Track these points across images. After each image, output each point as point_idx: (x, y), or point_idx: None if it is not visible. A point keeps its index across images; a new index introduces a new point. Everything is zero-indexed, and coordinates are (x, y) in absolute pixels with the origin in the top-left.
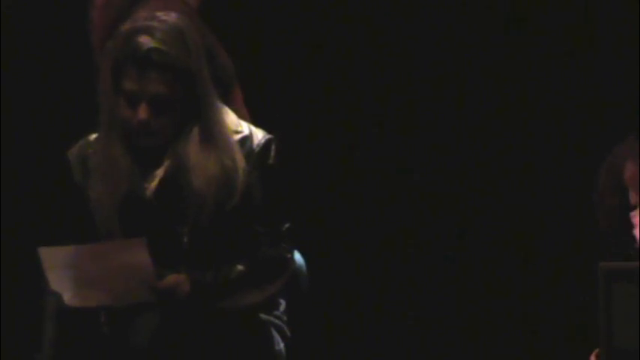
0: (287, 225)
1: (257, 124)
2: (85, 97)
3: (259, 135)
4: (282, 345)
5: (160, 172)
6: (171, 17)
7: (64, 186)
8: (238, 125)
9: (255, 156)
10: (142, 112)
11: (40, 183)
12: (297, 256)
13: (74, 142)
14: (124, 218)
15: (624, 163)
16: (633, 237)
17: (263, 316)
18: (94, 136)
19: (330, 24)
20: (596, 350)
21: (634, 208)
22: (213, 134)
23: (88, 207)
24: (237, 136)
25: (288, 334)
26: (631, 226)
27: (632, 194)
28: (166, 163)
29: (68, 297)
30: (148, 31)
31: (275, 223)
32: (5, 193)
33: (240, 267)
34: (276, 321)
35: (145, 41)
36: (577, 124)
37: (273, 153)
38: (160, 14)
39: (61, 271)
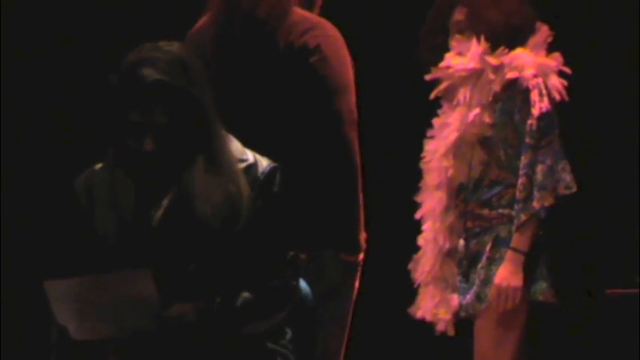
0: (292, 253)
1: None
2: (92, 126)
3: (264, 163)
4: None
5: (165, 201)
6: (174, 47)
7: (70, 216)
8: (243, 153)
9: (260, 184)
10: (148, 144)
11: (45, 213)
12: (303, 284)
13: (80, 172)
14: (130, 247)
15: (454, 8)
16: None
17: (269, 345)
18: (99, 165)
19: None
20: None
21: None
22: (218, 162)
23: (94, 237)
24: (242, 164)
25: None
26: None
27: (452, 36)
28: (172, 191)
29: (73, 330)
30: (151, 62)
31: (280, 251)
32: (11, 223)
33: (245, 295)
34: (283, 350)
35: (149, 73)
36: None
37: (277, 181)
38: (164, 44)
39: (66, 303)
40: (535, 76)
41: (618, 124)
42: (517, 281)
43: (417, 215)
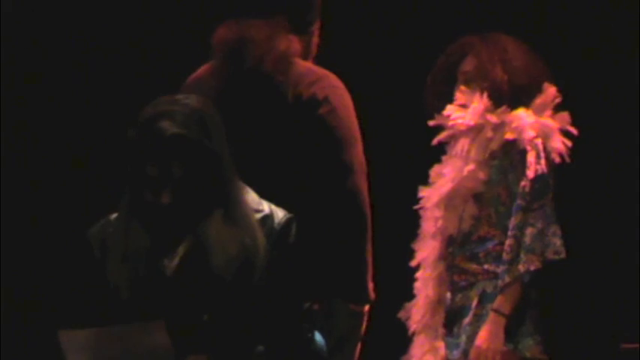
0: (307, 304)
1: None
2: (108, 177)
3: (280, 214)
4: None
5: (180, 251)
6: (191, 100)
7: (83, 266)
8: (259, 204)
9: (276, 235)
10: (166, 198)
11: (59, 263)
12: (318, 337)
13: (95, 222)
14: (144, 297)
15: (463, 57)
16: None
17: None
18: (114, 215)
19: None
20: None
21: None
22: (235, 214)
23: (107, 287)
24: (258, 215)
25: None
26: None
27: (458, 86)
28: (187, 241)
29: None
30: (169, 115)
31: (295, 303)
32: (25, 273)
33: (260, 347)
34: None
35: (167, 127)
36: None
37: (293, 232)
38: (181, 97)
39: (80, 354)
40: (535, 137)
41: (617, 182)
42: (497, 343)
43: (413, 263)
